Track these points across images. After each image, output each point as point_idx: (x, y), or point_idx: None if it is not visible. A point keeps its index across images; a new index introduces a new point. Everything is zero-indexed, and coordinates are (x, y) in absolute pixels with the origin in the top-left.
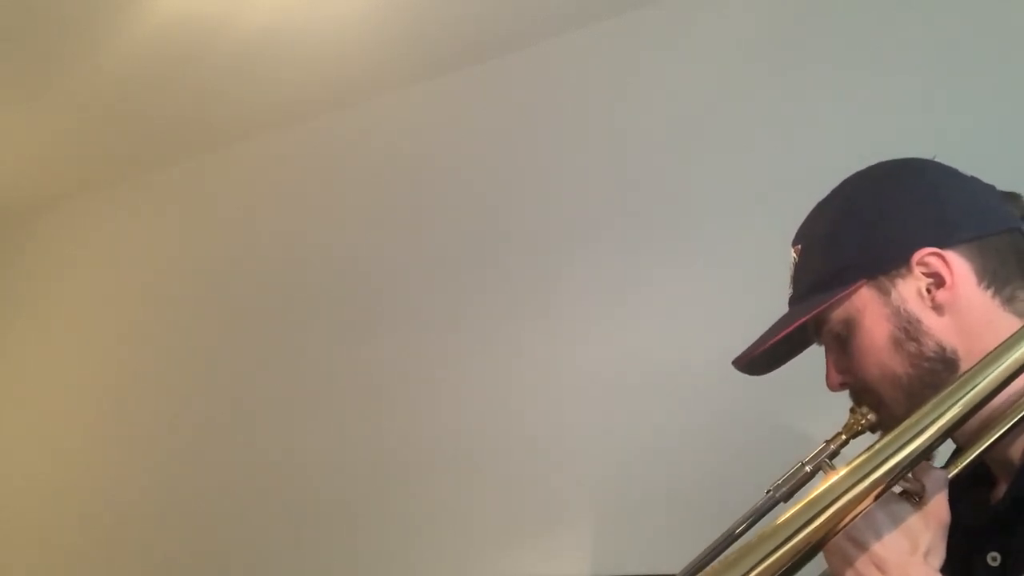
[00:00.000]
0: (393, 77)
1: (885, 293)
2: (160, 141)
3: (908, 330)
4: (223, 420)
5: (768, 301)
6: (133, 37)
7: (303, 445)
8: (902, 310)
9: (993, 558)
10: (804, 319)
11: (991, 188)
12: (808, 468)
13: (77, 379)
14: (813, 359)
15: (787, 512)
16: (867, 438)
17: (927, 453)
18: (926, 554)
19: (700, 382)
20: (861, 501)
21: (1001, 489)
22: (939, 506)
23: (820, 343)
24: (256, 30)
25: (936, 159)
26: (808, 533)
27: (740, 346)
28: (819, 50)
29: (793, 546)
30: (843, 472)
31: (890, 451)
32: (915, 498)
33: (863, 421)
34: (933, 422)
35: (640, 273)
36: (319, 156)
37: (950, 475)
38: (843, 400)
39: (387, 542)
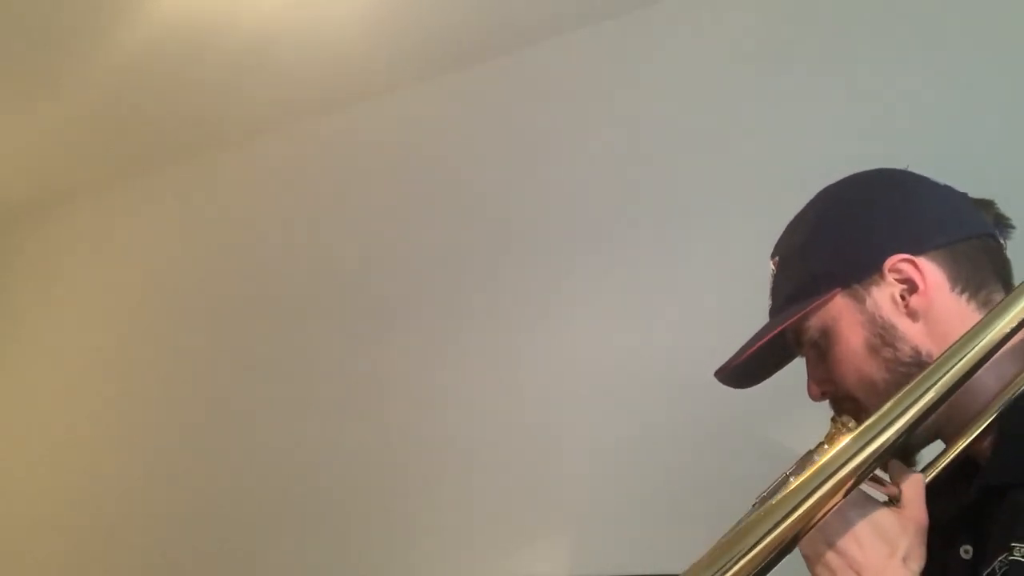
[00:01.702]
0: (394, 77)
1: (860, 301)
2: (160, 141)
3: (883, 336)
4: (224, 420)
5: (762, 308)
6: (133, 37)
7: (300, 445)
8: (877, 317)
9: (966, 551)
10: (779, 329)
11: (963, 195)
12: (792, 478)
13: (76, 379)
14: (801, 369)
15: (759, 509)
16: None
17: (895, 446)
18: (905, 558)
19: (690, 386)
20: (832, 497)
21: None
22: (916, 509)
23: (801, 355)
24: (257, 30)
25: (909, 168)
26: (781, 531)
27: (732, 351)
28: (817, 50)
29: (766, 545)
30: (813, 469)
31: (858, 446)
32: (893, 501)
33: (844, 430)
34: (900, 416)
35: (636, 276)
36: (319, 156)
37: (928, 477)
38: (829, 409)
39: (380, 541)
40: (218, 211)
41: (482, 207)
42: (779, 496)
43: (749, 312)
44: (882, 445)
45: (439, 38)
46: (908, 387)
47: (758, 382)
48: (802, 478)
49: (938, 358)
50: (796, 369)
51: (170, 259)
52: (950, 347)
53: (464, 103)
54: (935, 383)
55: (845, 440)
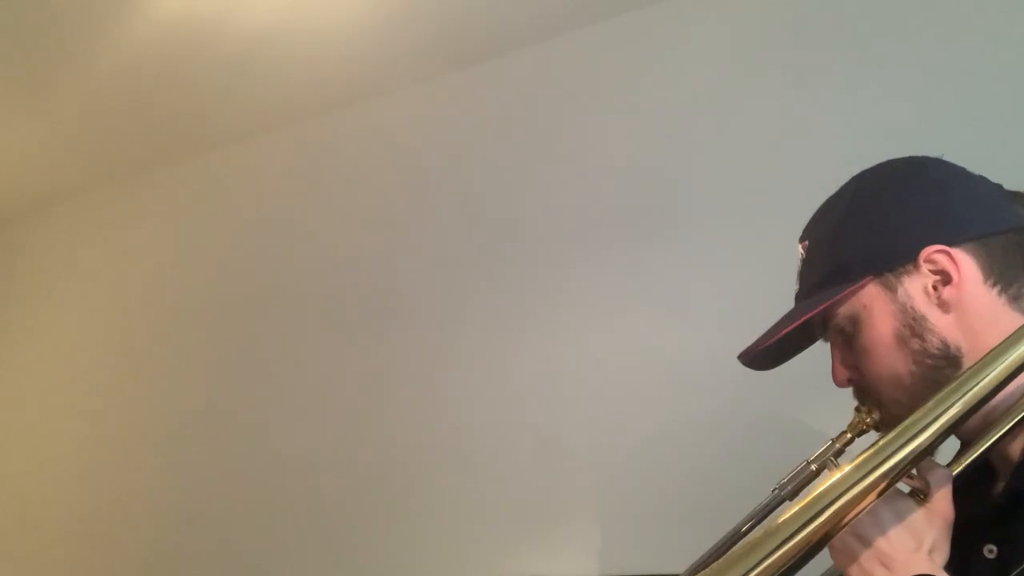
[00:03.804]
0: (394, 76)
1: (891, 290)
2: (160, 141)
3: (913, 327)
4: (224, 420)
5: (771, 299)
6: (133, 37)
7: (305, 444)
8: (908, 307)
9: (990, 550)
10: (810, 314)
11: (998, 187)
12: (814, 466)
13: (77, 379)
14: (820, 356)
15: (790, 509)
16: (873, 436)
17: (929, 451)
18: (930, 551)
19: (705, 380)
20: (863, 499)
21: (1001, 483)
22: (943, 504)
23: (826, 339)
24: (256, 30)
25: (944, 158)
26: (811, 530)
27: (744, 344)
28: (819, 49)
29: (796, 543)
30: (846, 470)
31: (892, 449)
32: (920, 495)
33: (868, 420)
34: (935, 420)
35: (643, 271)
36: (319, 156)
37: (954, 472)
38: (851, 398)
39: (390, 541)
40: (217, 211)
41: (481, 208)
42: (812, 494)
43: (764, 306)
44: (921, 445)
45: (438, 39)
46: (948, 388)
47: (779, 364)
48: (836, 477)
49: (980, 360)
50: (816, 363)
51: (169, 259)
52: (992, 350)
53: (463, 103)
54: (976, 385)
55: (882, 440)
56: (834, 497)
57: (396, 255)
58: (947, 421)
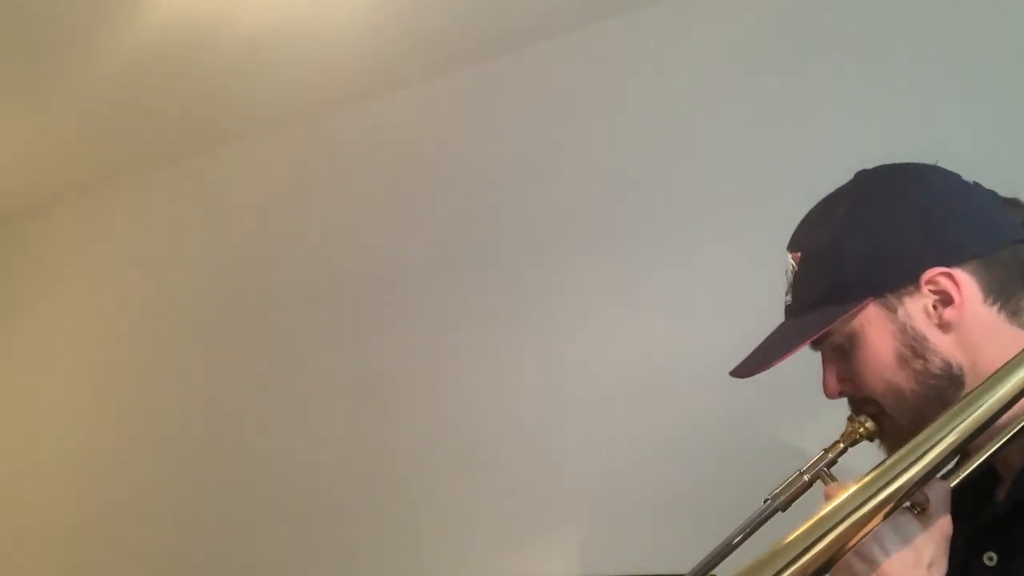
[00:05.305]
0: (394, 76)
1: (892, 310)
2: (160, 141)
3: (915, 348)
4: (224, 420)
5: (766, 305)
6: (134, 36)
7: (302, 445)
8: (908, 327)
9: (990, 558)
10: (813, 338)
11: (993, 195)
12: (806, 477)
13: (77, 380)
14: (811, 367)
15: (795, 531)
16: (864, 446)
17: (935, 472)
18: (929, 566)
19: (697, 385)
20: (869, 521)
21: (1002, 491)
22: (942, 518)
23: (816, 350)
24: (257, 29)
25: (938, 164)
26: (816, 553)
27: (738, 349)
28: (817, 52)
29: (801, 566)
30: (851, 491)
31: (898, 470)
32: (918, 509)
33: (861, 430)
34: (940, 441)
35: (639, 275)
36: (319, 156)
37: (952, 484)
38: (841, 407)
39: (382, 542)
40: (217, 210)
41: (479, 209)
42: (819, 515)
43: (759, 312)
44: (927, 467)
45: (439, 38)
46: (953, 409)
47: (765, 371)
48: (841, 497)
49: (986, 380)
50: (803, 369)
51: (169, 258)
52: (999, 370)
53: (462, 103)
54: (982, 406)
55: (888, 461)
56: (839, 519)
57: (395, 256)
58: (952, 443)
